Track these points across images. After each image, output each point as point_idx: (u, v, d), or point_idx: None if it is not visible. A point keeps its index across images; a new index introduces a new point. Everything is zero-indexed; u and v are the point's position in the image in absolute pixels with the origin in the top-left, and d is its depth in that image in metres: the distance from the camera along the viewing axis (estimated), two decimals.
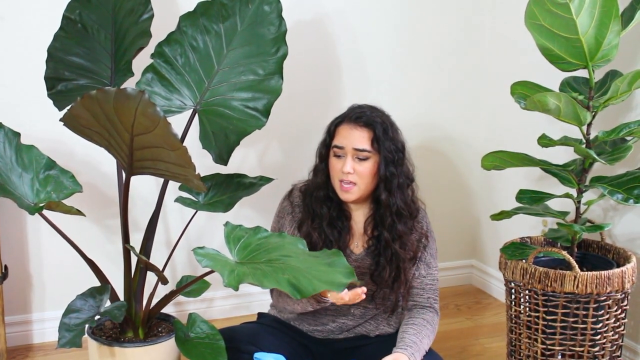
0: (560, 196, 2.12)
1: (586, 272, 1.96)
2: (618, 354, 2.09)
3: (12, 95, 2.44)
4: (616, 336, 2.06)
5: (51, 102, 2.10)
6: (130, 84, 1.99)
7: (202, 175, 1.89)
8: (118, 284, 2.01)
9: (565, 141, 2.06)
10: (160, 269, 1.91)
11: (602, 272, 1.95)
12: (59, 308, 1.91)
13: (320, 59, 2.80)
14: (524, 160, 2.07)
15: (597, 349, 2.03)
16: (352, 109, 1.94)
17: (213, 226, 2.71)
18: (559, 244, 2.19)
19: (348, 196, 1.90)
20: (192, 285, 2.03)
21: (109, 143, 1.65)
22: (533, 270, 2.02)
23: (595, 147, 2.06)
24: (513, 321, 2.16)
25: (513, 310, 2.15)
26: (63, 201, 1.80)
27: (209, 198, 2.14)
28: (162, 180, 2.11)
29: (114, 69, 2.13)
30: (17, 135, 1.89)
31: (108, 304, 1.92)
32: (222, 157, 2.11)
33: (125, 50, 2.11)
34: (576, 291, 1.96)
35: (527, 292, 2.06)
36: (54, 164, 1.90)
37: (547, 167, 2.10)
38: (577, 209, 2.11)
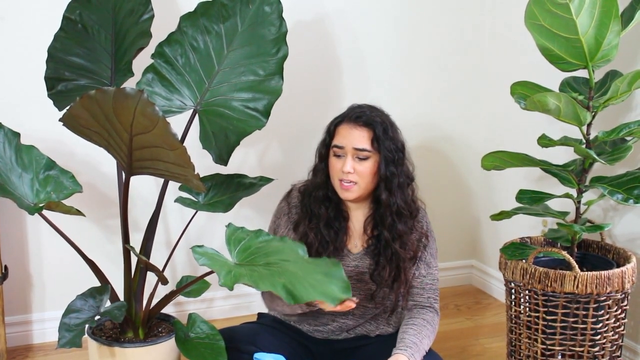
0: (560, 196, 2.12)
1: (586, 272, 1.96)
2: (618, 354, 2.09)
3: (12, 95, 2.44)
4: (616, 336, 2.06)
5: (51, 102, 2.10)
6: (130, 84, 1.99)
7: (202, 175, 1.89)
8: (118, 284, 2.01)
9: (565, 141, 2.06)
10: (160, 269, 1.91)
11: (602, 272, 1.95)
12: (59, 308, 1.91)
13: (321, 59, 2.80)
14: (524, 160, 2.07)
15: (597, 349, 2.03)
16: (352, 109, 1.94)
17: (213, 226, 2.71)
18: (559, 244, 2.19)
19: (348, 195, 1.90)
20: (192, 286, 2.03)
21: (109, 143, 1.65)
22: (533, 270, 2.01)
23: (595, 147, 2.06)
24: (513, 321, 2.16)
25: (513, 310, 2.15)
26: (63, 201, 1.80)
27: (209, 198, 2.14)
28: (162, 180, 2.11)
29: (114, 69, 2.13)
30: (17, 135, 1.89)
31: (108, 304, 1.92)
32: (222, 158, 2.11)
33: (126, 51, 2.12)
34: (576, 291, 1.96)
35: (527, 292, 2.06)
36: (54, 164, 1.90)
37: (547, 167, 2.10)
38: (577, 209, 2.11)
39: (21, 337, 2.56)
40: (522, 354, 2.14)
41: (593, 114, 1.97)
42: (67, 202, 1.81)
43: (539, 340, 2.06)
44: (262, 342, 1.90)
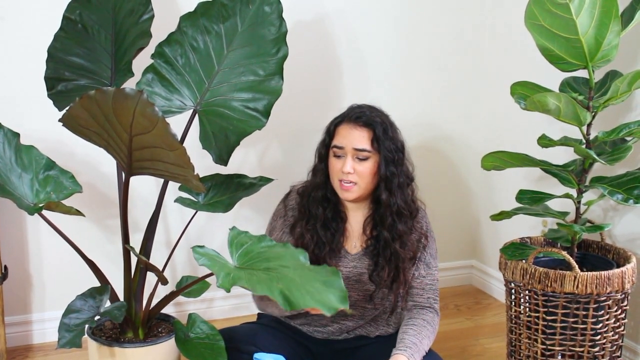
0: (560, 196, 2.12)
1: (586, 273, 1.95)
2: (618, 354, 2.09)
3: (12, 95, 2.44)
4: (616, 336, 2.06)
5: (51, 102, 2.10)
6: (130, 84, 1.99)
7: (202, 175, 1.89)
8: (118, 284, 2.01)
9: (565, 141, 2.06)
10: (160, 269, 1.90)
11: (602, 272, 1.95)
12: (59, 308, 1.91)
13: (321, 59, 2.80)
14: (524, 160, 2.07)
15: (597, 349, 2.03)
16: (352, 109, 1.94)
17: (213, 226, 2.71)
18: (559, 244, 2.19)
19: (348, 195, 1.90)
20: (192, 286, 2.03)
21: (108, 143, 1.65)
22: (533, 270, 2.01)
23: (595, 148, 2.05)
24: (513, 321, 2.16)
25: (513, 310, 2.15)
26: (63, 201, 1.80)
27: (208, 198, 2.14)
28: (162, 180, 2.11)
29: (114, 69, 2.13)
30: (17, 135, 1.89)
31: (108, 304, 1.92)
32: (222, 158, 2.11)
33: (126, 51, 2.11)
34: (576, 291, 1.95)
35: (527, 292, 2.06)
36: (54, 164, 1.90)
37: (547, 168, 2.10)
38: (577, 209, 2.11)
39: (21, 337, 2.56)
40: (522, 354, 2.14)
41: (593, 114, 1.97)
42: (67, 202, 1.81)
43: (539, 341, 2.06)
44: (262, 342, 1.90)
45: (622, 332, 2.08)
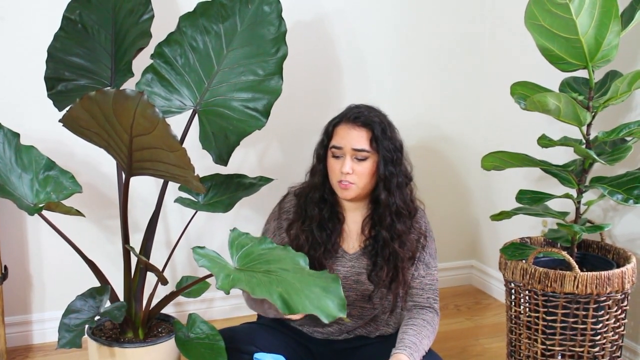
0: (560, 196, 2.12)
1: (586, 273, 1.96)
2: (618, 354, 2.09)
3: (12, 95, 2.44)
4: (616, 336, 2.06)
5: (51, 102, 2.10)
6: (130, 85, 1.99)
7: (202, 175, 1.89)
8: (118, 284, 2.01)
9: (565, 141, 2.06)
10: (160, 270, 1.91)
11: (602, 272, 1.95)
12: (59, 308, 1.91)
13: (320, 59, 2.80)
14: (524, 160, 2.07)
15: (597, 349, 2.03)
16: (350, 109, 1.93)
17: (213, 226, 2.71)
18: (558, 244, 2.19)
19: (346, 194, 1.90)
20: (192, 286, 2.03)
21: (108, 144, 1.65)
22: (533, 270, 2.01)
23: (595, 148, 2.05)
24: (513, 321, 2.16)
25: (513, 310, 2.15)
26: (63, 202, 1.80)
27: (208, 198, 2.14)
28: (162, 180, 2.11)
29: (114, 70, 2.13)
30: (17, 135, 1.89)
31: (108, 304, 1.92)
32: (222, 158, 2.11)
33: (126, 51, 2.11)
34: (576, 291, 1.96)
35: (527, 292, 2.06)
36: (54, 164, 1.90)
37: (547, 168, 2.10)
38: (577, 209, 2.11)
39: (21, 337, 2.56)
40: (522, 354, 2.14)
41: (593, 114, 1.97)
42: (67, 202, 1.81)
43: (539, 341, 2.06)
44: (262, 342, 1.89)
45: (622, 332, 2.08)
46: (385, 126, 1.91)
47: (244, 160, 2.72)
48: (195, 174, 1.60)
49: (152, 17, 2.12)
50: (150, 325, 2.01)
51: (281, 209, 2.04)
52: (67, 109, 1.55)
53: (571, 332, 2.01)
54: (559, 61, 1.92)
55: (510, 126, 2.88)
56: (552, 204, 2.18)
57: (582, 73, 2.00)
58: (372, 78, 2.88)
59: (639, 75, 1.82)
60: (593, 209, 2.39)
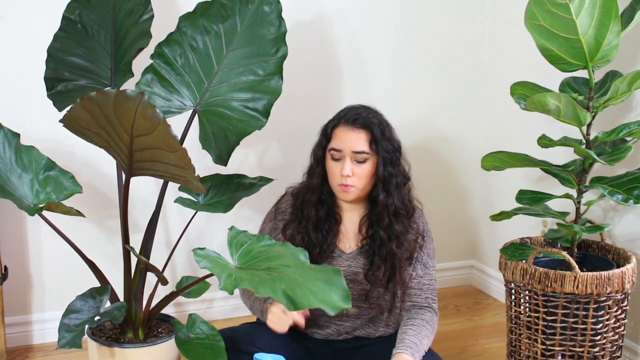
0: (560, 197, 2.12)
1: (586, 273, 1.96)
2: (618, 354, 2.09)
3: (12, 95, 2.44)
4: (616, 337, 2.06)
5: (51, 102, 2.10)
6: (130, 85, 1.99)
7: (201, 175, 1.89)
8: (118, 284, 2.01)
9: (565, 142, 2.06)
10: (160, 270, 1.91)
11: (602, 272, 1.95)
12: (59, 309, 1.91)
13: (320, 59, 2.80)
14: (524, 160, 2.07)
15: (597, 349, 2.03)
16: (348, 111, 1.93)
17: (213, 227, 2.71)
18: (559, 244, 2.19)
19: (347, 196, 1.90)
20: (192, 286, 2.03)
21: (109, 144, 1.65)
22: (533, 270, 2.02)
23: (595, 148, 2.05)
24: (513, 322, 2.16)
25: (513, 310, 2.15)
26: (63, 202, 1.80)
27: (208, 198, 2.14)
28: (162, 181, 2.11)
29: (113, 70, 2.13)
30: (17, 135, 1.89)
31: (108, 304, 1.92)
32: (222, 158, 2.11)
33: (125, 51, 2.11)
34: (576, 292, 1.96)
35: (527, 292, 2.06)
36: (54, 164, 1.90)
37: (547, 168, 2.10)
38: (577, 209, 2.11)
39: (21, 337, 2.56)
40: (522, 355, 2.14)
41: (593, 114, 1.97)
42: (67, 202, 1.81)
43: (539, 341, 2.06)
44: (261, 343, 1.90)
45: (622, 332, 2.08)
46: (384, 127, 1.91)
47: (244, 160, 2.72)
48: (196, 174, 1.60)
49: (152, 17, 2.12)
50: (150, 325, 2.01)
51: (277, 209, 2.04)
52: (68, 109, 1.55)
53: (571, 332, 2.02)
54: (559, 61, 1.92)
55: (510, 126, 2.88)
56: (552, 204, 2.18)
57: (582, 73, 2.00)
58: (372, 78, 2.88)
59: (639, 75, 1.82)
60: (593, 209, 2.39)
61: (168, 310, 2.40)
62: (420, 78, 2.96)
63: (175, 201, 2.12)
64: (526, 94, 2.02)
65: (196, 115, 2.09)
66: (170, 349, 1.95)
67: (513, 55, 2.84)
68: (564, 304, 1.99)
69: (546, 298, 2.01)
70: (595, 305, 1.98)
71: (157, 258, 2.15)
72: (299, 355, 1.97)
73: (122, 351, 1.89)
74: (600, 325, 2.01)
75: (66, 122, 1.60)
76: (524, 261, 2.08)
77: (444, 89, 3.00)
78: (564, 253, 2.02)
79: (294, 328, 2.02)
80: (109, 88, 1.47)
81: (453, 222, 3.15)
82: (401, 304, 1.98)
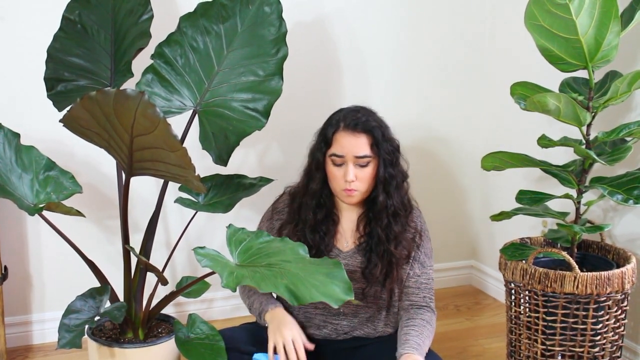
0: (560, 197, 2.12)
1: (586, 273, 1.96)
2: (618, 354, 2.09)
3: (12, 95, 2.44)
4: (616, 337, 2.06)
5: (51, 102, 2.10)
6: (130, 85, 1.99)
7: (201, 176, 1.89)
8: (118, 284, 2.01)
9: (565, 142, 2.06)
10: (160, 270, 1.91)
11: (602, 272, 1.95)
12: (59, 309, 1.91)
13: (321, 59, 2.80)
14: (523, 160, 2.07)
15: (597, 349, 2.03)
16: (345, 114, 1.91)
17: (213, 227, 2.71)
18: (558, 244, 2.19)
19: (351, 200, 1.91)
20: (192, 286, 2.03)
21: (109, 144, 1.65)
22: (533, 270, 2.02)
23: (595, 148, 2.06)
24: (513, 322, 2.16)
25: (513, 310, 2.15)
26: (63, 202, 1.80)
27: (208, 199, 2.14)
28: (162, 181, 2.11)
29: (113, 70, 2.13)
30: (17, 135, 1.89)
31: (108, 304, 1.92)
32: (222, 158, 2.11)
33: (125, 51, 2.11)
34: (576, 292, 1.96)
35: (527, 292, 2.06)
36: (54, 164, 1.90)
37: (547, 168, 2.10)
38: (577, 209, 2.11)
39: (21, 337, 2.56)
40: (522, 355, 2.14)
41: (593, 114, 1.97)
42: (67, 202, 1.81)
43: (539, 341, 2.06)
44: (262, 343, 1.89)
45: (622, 333, 2.08)
46: (384, 129, 1.91)
47: (244, 160, 2.72)
48: (196, 174, 1.60)
49: (152, 17, 2.12)
50: (150, 325, 2.01)
51: (274, 209, 2.04)
52: (68, 108, 1.55)
53: (571, 333, 2.02)
54: (559, 61, 1.92)
55: (510, 126, 2.88)
56: (552, 204, 2.18)
57: (582, 73, 2.00)
58: (372, 78, 2.88)
59: (639, 75, 1.82)
60: (593, 209, 2.39)
61: (168, 310, 2.40)
62: (420, 78, 2.96)
63: (175, 201, 2.12)
64: (526, 94, 2.02)
65: (196, 115, 2.09)
66: (170, 349, 1.95)
67: (513, 55, 2.84)
68: (564, 304, 1.99)
69: (546, 298, 2.01)
70: (595, 306, 1.98)
71: (157, 258, 2.15)
72: None
73: (122, 351, 1.89)
74: (600, 325, 2.01)
75: (66, 121, 1.60)
76: (524, 261, 2.08)
77: (444, 89, 3.00)
78: (564, 253, 2.02)
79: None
80: (109, 88, 1.47)
81: (453, 222, 3.15)
82: (399, 303, 1.98)
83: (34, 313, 2.59)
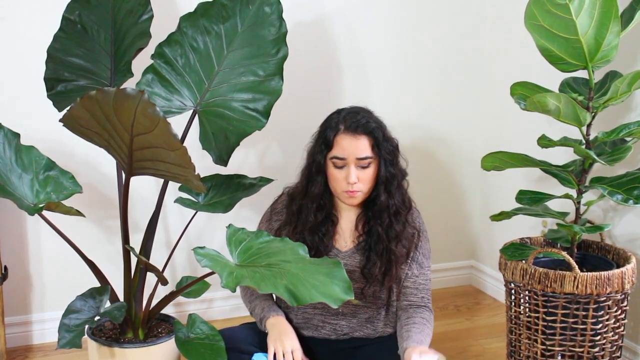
0: (560, 197, 2.12)
1: (586, 273, 1.96)
2: (618, 354, 2.09)
3: (12, 95, 2.44)
4: (616, 337, 2.06)
5: (51, 102, 2.10)
6: (130, 85, 1.98)
7: (201, 176, 1.89)
8: (118, 284, 2.01)
9: (565, 142, 2.06)
10: (160, 270, 1.91)
11: (602, 272, 1.95)
12: (59, 309, 1.91)
13: (321, 60, 2.80)
14: (523, 160, 2.07)
15: (596, 349, 2.03)
16: (344, 116, 1.91)
17: (213, 227, 2.71)
18: (558, 244, 2.19)
19: (354, 201, 1.91)
20: (192, 286, 2.03)
21: (109, 144, 1.65)
22: (533, 270, 2.02)
23: (595, 148, 2.06)
24: (513, 322, 2.16)
25: (513, 310, 2.15)
26: (63, 202, 1.80)
27: (208, 199, 2.14)
28: (162, 180, 2.11)
29: (113, 70, 2.13)
30: (17, 135, 1.89)
31: (108, 304, 1.92)
32: (222, 158, 2.11)
33: (125, 51, 2.12)
34: (576, 292, 1.96)
35: (527, 292, 2.06)
36: (54, 164, 1.90)
37: (547, 168, 2.10)
38: (577, 209, 2.11)
39: (21, 337, 2.56)
40: (522, 355, 2.14)
41: (593, 114, 1.97)
42: (67, 202, 1.81)
43: (539, 341, 2.06)
44: (261, 343, 1.90)
45: (622, 333, 2.08)
46: (383, 129, 1.92)
47: (244, 160, 2.73)
48: (196, 173, 1.60)
49: (152, 17, 2.12)
50: (150, 325, 2.01)
51: (273, 210, 2.04)
52: (68, 108, 1.55)
53: (571, 333, 2.02)
54: (559, 61, 1.92)
55: (510, 126, 2.88)
56: (552, 204, 2.18)
57: (582, 73, 2.00)
58: (372, 78, 2.88)
59: (639, 75, 1.82)
60: (593, 209, 2.39)
61: (168, 310, 2.40)
62: (420, 78, 2.96)
63: (175, 201, 2.12)
64: (526, 94, 2.02)
65: (196, 115, 2.09)
66: (170, 349, 1.95)
67: (513, 55, 2.84)
68: (564, 304, 1.99)
69: (546, 298, 2.01)
70: (595, 306, 1.98)
71: (157, 258, 2.15)
72: None
73: (122, 351, 1.89)
74: (600, 325, 2.01)
75: (66, 121, 1.60)
76: (523, 261, 2.08)
77: (444, 89, 3.00)
78: (564, 253, 2.02)
79: (293, 328, 2.03)
80: (108, 87, 1.47)
81: (453, 223, 3.15)
82: (397, 303, 1.98)
83: (34, 313, 2.59)
